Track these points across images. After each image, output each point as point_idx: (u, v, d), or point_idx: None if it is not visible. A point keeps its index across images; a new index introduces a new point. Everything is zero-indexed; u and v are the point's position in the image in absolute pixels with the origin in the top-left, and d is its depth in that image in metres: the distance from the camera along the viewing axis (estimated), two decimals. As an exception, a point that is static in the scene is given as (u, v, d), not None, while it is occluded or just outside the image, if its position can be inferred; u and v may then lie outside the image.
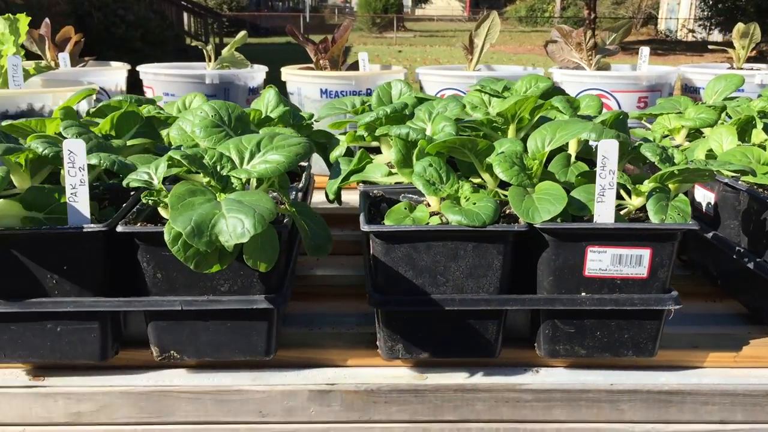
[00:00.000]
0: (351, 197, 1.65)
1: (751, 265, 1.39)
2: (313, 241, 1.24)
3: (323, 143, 1.72)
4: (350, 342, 1.37)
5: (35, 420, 1.24)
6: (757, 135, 1.62)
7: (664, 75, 2.48)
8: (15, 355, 1.22)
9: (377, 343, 1.29)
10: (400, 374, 1.28)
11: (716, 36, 21.18)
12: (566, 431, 1.27)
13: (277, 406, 1.25)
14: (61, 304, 1.19)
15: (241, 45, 2.65)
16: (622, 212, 1.29)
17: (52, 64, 2.62)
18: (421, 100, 1.72)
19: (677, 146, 1.78)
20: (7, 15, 1.90)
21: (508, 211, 1.31)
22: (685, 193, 1.30)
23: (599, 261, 1.20)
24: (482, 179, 1.35)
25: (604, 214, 1.20)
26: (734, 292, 1.56)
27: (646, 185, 1.27)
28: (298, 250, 1.42)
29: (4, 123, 1.37)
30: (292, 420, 1.26)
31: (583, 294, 1.22)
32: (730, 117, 1.76)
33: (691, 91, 2.68)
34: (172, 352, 1.24)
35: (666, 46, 20.28)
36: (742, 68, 2.77)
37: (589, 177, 1.33)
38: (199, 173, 1.24)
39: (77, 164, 1.15)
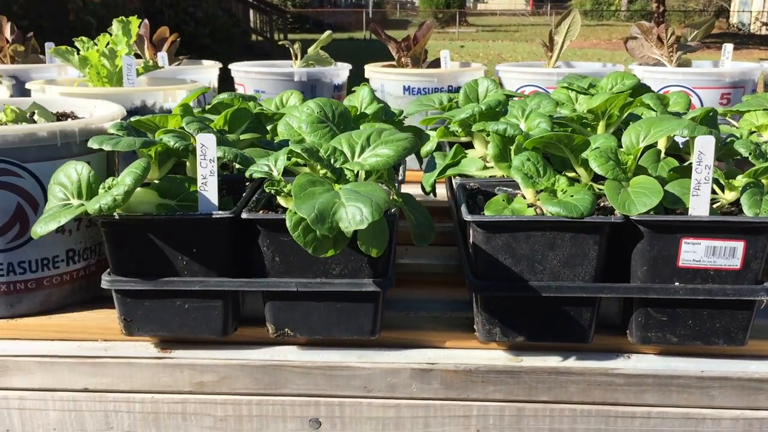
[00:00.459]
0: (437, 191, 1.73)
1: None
2: (417, 230, 1.33)
3: (415, 138, 1.80)
4: (447, 325, 1.45)
5: (162, 388, 1.37)
6: None
7: (747, 71, 2.47)
8: (147, 329, 1.35)
9: (474, 326, 1.37)
10: (496, 356, 1.36)
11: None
12: (657, 414, 1.33)
13: (381, 382, 1.34)
14: (190, 283, 1.30)
15: (327, 43, 2.76)
16: (714, 206, 1.34)
17: (151, 62, 2.78)
18: (508, 97, 1.79)
19: (766, 142, 1.80)
20: (120, 18, 2.05)
21: (602, 204, 1.37)
22: (778, 189, 1.34)
23: (693, 252, 1.25)
24: (576, 173, 1.42)
25: (699, 207, 1.25)
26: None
27: (740, 180, 1.32)
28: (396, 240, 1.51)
29: (132, 119, 1.50)
30: (394, 395, 1.35)
31: (677, 283, 1.27)
32: (819, 113, 1.76)
33: (774, 87, 2.66)
34: (286, 329, 1.34)
35: (738, 40, 19.64)
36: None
37: (680, 172, 1.38)
38: (305, 166, 1.35)
39: (208, 156, 1.27)
